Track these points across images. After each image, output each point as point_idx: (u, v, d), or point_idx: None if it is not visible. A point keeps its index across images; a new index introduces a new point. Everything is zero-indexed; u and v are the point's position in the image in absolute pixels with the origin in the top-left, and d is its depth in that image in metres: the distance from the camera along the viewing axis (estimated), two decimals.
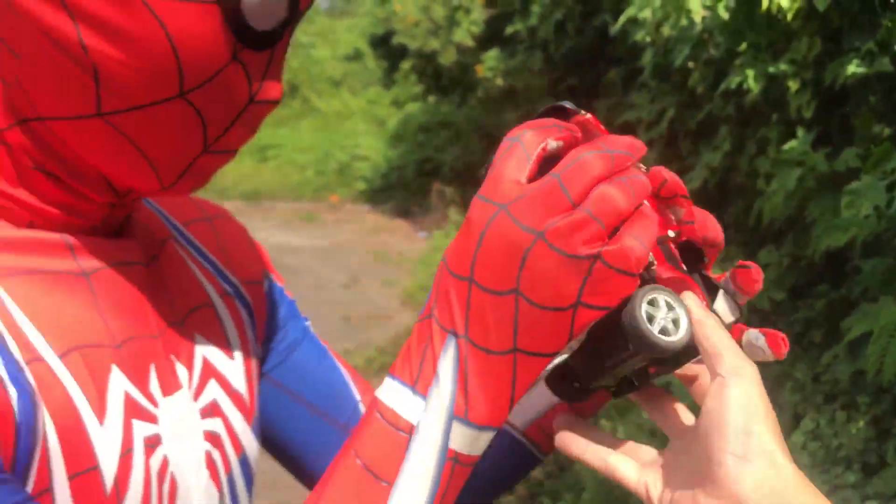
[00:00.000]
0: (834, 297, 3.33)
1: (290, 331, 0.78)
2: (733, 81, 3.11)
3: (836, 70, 2.86)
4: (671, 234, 0.52)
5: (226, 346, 0.68)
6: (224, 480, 0.65)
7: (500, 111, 7.76)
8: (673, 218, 0.52)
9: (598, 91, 6.23)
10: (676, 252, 0.53)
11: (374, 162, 11.23)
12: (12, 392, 0.48)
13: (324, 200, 10.79)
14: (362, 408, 0.79)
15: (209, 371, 0.65)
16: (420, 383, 0.48)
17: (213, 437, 0.64)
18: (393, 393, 0.48)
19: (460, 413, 0.47)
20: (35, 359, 0.51)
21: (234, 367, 0.68)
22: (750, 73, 3.08)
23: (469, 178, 9.47)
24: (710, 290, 0.53)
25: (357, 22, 16.81)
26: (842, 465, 2.71)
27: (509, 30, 6.74)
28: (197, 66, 0.50)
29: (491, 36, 7.55)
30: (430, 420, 0.47)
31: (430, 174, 10.13)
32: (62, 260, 0.55)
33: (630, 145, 0.49)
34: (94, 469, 0.52)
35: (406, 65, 13.84)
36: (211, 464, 0.63)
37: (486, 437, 0.49)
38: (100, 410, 0.53)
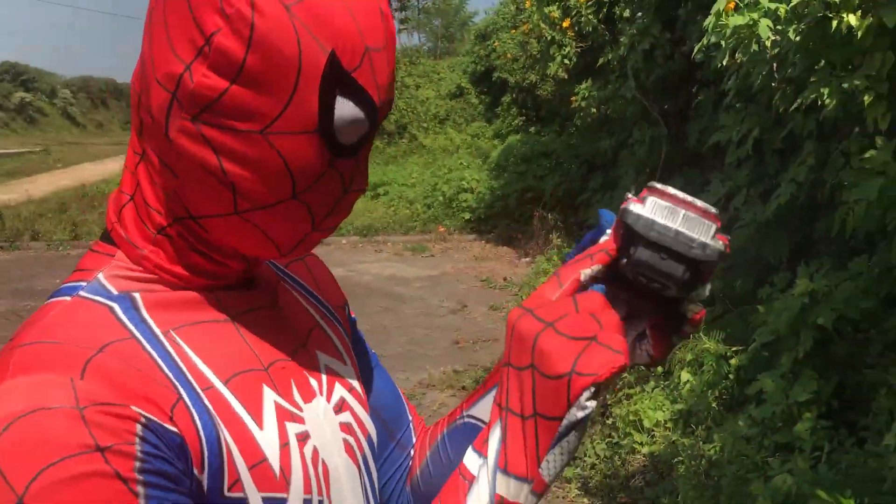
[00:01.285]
0: None
1: (370, 353, 0.99)
2: (808, 98, 3.21)
3: None
4: None
5: (338, 355, 0.86)
6: (360, 459, 0.82)
7: (597, 139, 7.86)
8: None
9: (689, 114, 6.30)
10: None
11: (478, 193, 11.49)
12: (195, 415, 0.65)
13: (432, 232, 11.11)
14: (413, 427, 0.98)
15: (333, 376, 0.83)
16: (481, 447, 0.70)
17: (346, 427, 0.81)
18: (469, 455, 0.69)
19: (502, 465, 0.66)
20: (208, 387, 0.68)
21: (347, 370, 0.86)
22: (825, 89, 3.18)
23: (569, 203, 9.57)
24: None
25: (458, 61, 17.25)
26: None
27: (601, 61, 6.90)
28: (304, 177, 0.66)
29: (584, 67, 7.69)
30: (482, 472, 0.67)
31: (532, 202, 10.29)
32: (215, 311, 0.73)
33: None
34: (264, 461, 0.69)
35: (506, 98, 14.12)
36: (349, 448, 0.80)
37: (526, 490, 0.65)
38: (257, 418, 0.70)
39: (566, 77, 7.78)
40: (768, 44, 3.21)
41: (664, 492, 3.48)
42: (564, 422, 0.63)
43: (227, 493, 0.66)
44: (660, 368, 4.57)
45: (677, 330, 0.73)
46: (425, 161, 14.08)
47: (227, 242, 0.71)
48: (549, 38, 7.79)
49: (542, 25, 7.87)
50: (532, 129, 12.83)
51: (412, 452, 0.96)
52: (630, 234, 0.69)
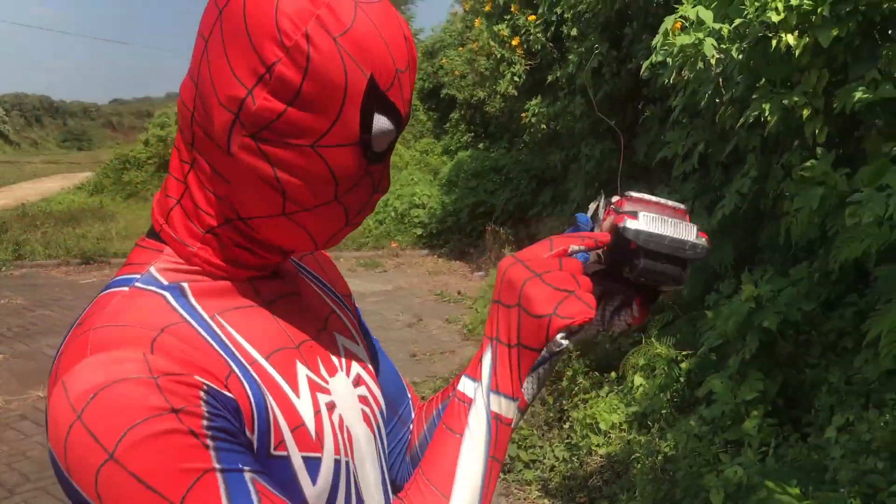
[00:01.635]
0: (862, 306, 3.56)
1: (374, 339, 1.11)
2: (751, 115, 3.40)
3: (843, 98, 3.08)
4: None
5: (351, 337, 0.98)
6: (375, 427, 0.93)
7: (546, 154, 8.06)
8: None
9: (636, 130, 6.53)
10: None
11: (429, 208, 11.59)
12: (246, 385, 0.75)
13: (384, 247, 11.18)
14: (412, 405, 1.10)
15: (350, 355, 0.94)
16: (475, 373, 0.84)
17: (364, 399, 0.92)
18: (464, 382, 0.84)
19: (493, 387, 0.81)
20: (253, 361, 0.78)
21: (360, 350, 0.98)
22: (766, 105, 3.37)
23: (520, 217, 9.75)
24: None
25: None
26: (871, 454, 2.91)
27: (550, 78, 7.10)
28: (346, 182, 0.77)
29: (533, 84, 7.88)
30: (478, 394, 0.83)
31: (483, 216, 10.44)
32: (252, 298, 0.84)
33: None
34: (302, 425, 0.80)
35: (455, 115, 14.29)
36: (366, 417, 0.91)
37: (514, 407, 0.81)
38: (294, 389, 0.81)
39: (516, 94, 7.96)
40: (713, 62, 3.39)
41: (622, 489, 3.63)
42: (543, 352, 0.79)
43: (273, 452, 0.76)
44: (613, 374, 4.74)
45: (654, 301, 0.91)
46: None
47: (271, 239, 0.81)
48: (498, 55, 7.98)
49: (492, 43, 8.05)
50: (481, 146, 13.01)
51: (411, 427, 1.08)
52: (630, 247, 0.84)
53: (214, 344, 0.76)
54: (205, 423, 0.69)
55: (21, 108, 50.67)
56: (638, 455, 3.66)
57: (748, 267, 4.14)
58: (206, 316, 0.78)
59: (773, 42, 3.23)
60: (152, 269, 0.80)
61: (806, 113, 3.31)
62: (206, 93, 0.75)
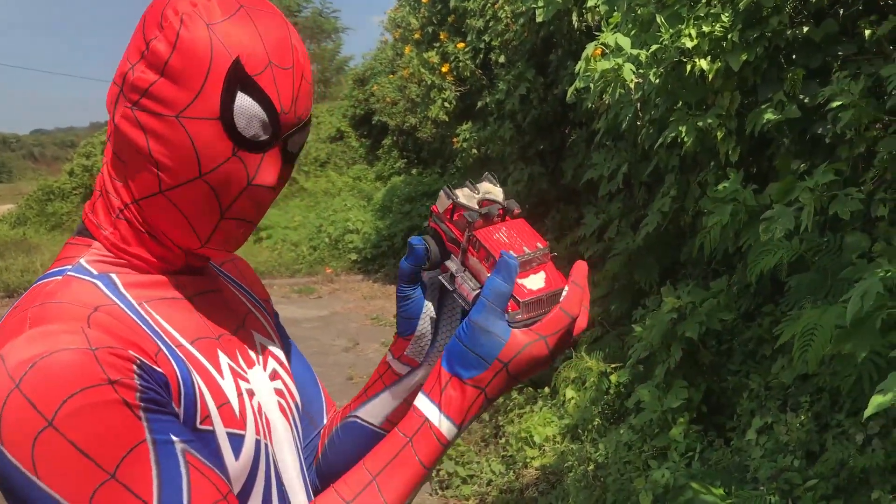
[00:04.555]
0: (777, 315, 3.74)
1: (290, 340, 1.16)
2: (668, 136, 3.58)
3: (754, 119, 3.28)
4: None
5: (268, 335, 1.03)
6: (291, 417, 0.98)
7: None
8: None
9: (563, 153, 6.73)
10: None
11: (363, 233, 11.64)
12: (173, 362, 0.80)
13: (319, 273, 11.16)
14: (325, 407, 1.13)
15: (266, 352, 1.00)
16: (450, 410, 0.84)
17: (279, 392, 0.97)
18: (435, 414, 0.84)
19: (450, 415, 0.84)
20: (179, 344, 0.84)
21: (276, 348, 1.03)
22: (683, 127, 3.55)
23: None
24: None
25: (337, 104, 17.35)
26: (789, 453, 3.08)
27: (480, 104, 7.27)
28: (208, 158, 0.81)
29: (464, 110, 8.05)
30: (453, 434, 0.84)
31: None
32: (175, 290, 0.89)
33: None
34: (227, 403, 0.85)
35: (387, 141, 14.41)
36: (282, 408, 0.96)
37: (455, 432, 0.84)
38: (219, 372, 0.87)
39: (447, 119, 8.12)
40: (632, 86, 3.57)
41: (556, 498, 3.73)
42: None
43: (199, 426, 0.81)
44: (546, 389, 4.87)
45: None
46: (307, 204, 14.14)
47: (160, 223, 0.86)
48: (429, 82, 8.13)
49: (422, 70, 8.21)
50: (414, 171, 13.15)
51: (321, 431, 1.13)
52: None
53: (143, 326, 0.82)
54: (138, 395, 0.73)
55: None
56: (571, 464, 3.78)
57: (671, 282, 4.32)
58: (134, 302, 0.84)
59: (688, 66, 3.41)
60: (82, 261, 0.86)
61: (720, 134, 3.49)
62: (112, 81, 0.85)
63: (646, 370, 4.19)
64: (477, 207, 0.89)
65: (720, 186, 3.48)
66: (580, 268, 0.86)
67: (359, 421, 1.04)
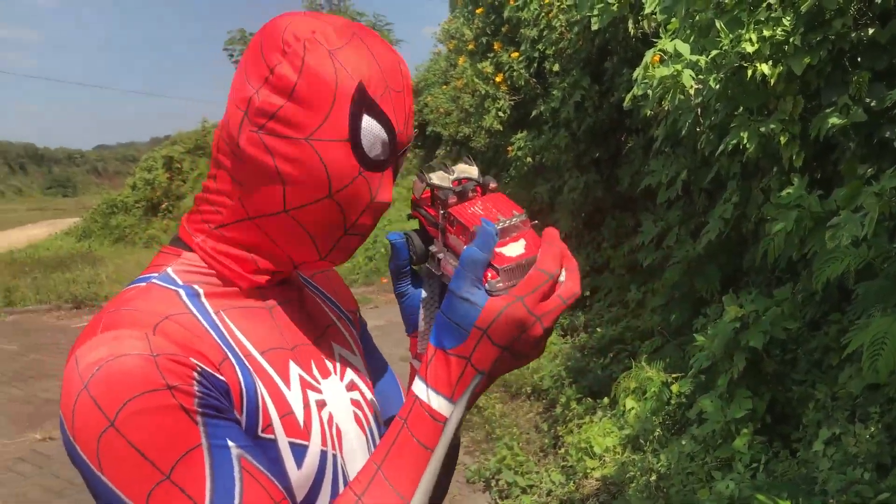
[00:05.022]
0: (844, 324, 3.66)
1: (379, 352, 1.19)
2: (730, 143, 3.53)
3: (818, 123, 3.21)
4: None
5: (349, 348, 1.05)
6: (367, 428, 0.99)
7: (532, 185, 8.19)
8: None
9: (619, 160, 6.68)
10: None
11: None
12: (238, 371, 0.83)
13: (374, 283, 11.24)
14: None
15: (345, 363, 1.02)
16: (438, 383, 0.83)
17: (356, 403, 0.99)
18: (428, 393, 0.83)
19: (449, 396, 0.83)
20: (248, 354, 0.87)
21: (356, 359, 1.05)
22: (744, 133, 3.50)
23: None
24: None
25: None
26: (858, 465, 3.01)
27: (534, 112, 7.26)
28: (338, 178, 0.84)
29: (518, 119, 8.04)
30: (454, 414, 0.83)
31: None
32: (256, 300, 0.92)
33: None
34: (291, 413, 0.87)
35: (441, 152, 14.44)
36: (358, 418, 0.98)
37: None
38: (286, 382, 0.89)
39: (501, 129, 8.12)
40: (692, 92, 3.53)
41: None
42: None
43: (260, 434, 0.84)
44: (606, 399, 4.82)
45: None
46: None
47: (280, 244, 0.90)
48: (483, 92, 8.14)
49: (476, 80, 8.23)
50: None
51: None
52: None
53: (214, 334, 0.85)
54: (196, 400, 0.77)
55: (5, 156, 50.68)
56: (633, 475, 3.74)
57: (733, 290, 4.25)
58: (211, 311, 0.87)
59: (749, 71, 3.36)
60: (169, 270, 0.90)
61: (783, 139, 3.43)
62: (229, 104, 0.88)
63: (708, 380, 4.12)
64: (451, 186, 0.89)
65: (784, 192, 3.43)
66: (550, 232, 0.84)
67: None
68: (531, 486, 4.25)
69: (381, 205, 0.90)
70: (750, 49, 3.27)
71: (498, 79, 7.98)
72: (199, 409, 0.77)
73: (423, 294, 0.97)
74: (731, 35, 3.35)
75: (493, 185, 0.90)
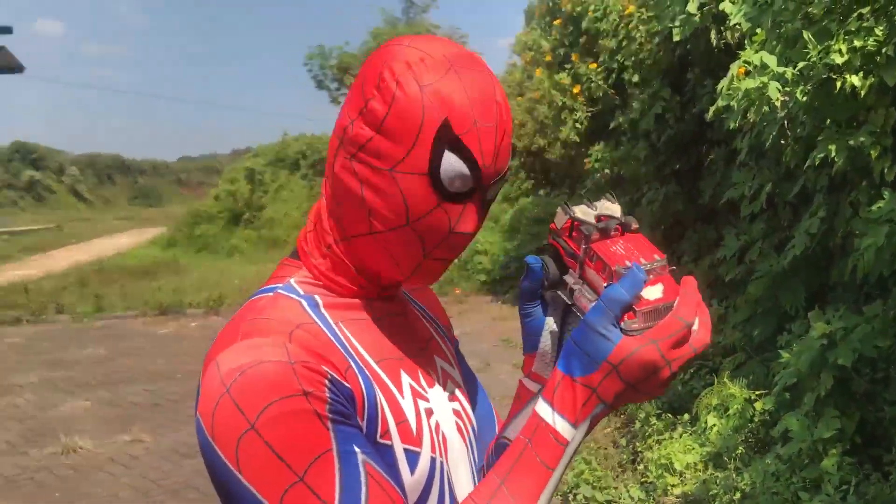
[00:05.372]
0: None
1: (470, 368, 1.22)
2: (817, 157, 3.45)
3: None
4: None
5: (448, 361, 1.09)
6: (467, 437, 1.04)
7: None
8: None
9: (700, 172, 6.58)
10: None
11: (492, 255, 11.69)
12: (360, 379, 0.88)
13: (448, 294, 11.27)
14: (497, 433, 1.18)
15: (446, 375, 1.06)
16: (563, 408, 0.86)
17: (457, 413, 1.03)
18: (552, 416, 0.86)
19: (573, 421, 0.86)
20: (366, 363, 0.91)
21: (455, 372, 1.10)
22: (832, 146, 3.42)
23: None
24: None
25: None
26: None
27: (612, 124, 7.22)
28: (416, 208, 0.88)
29: (594, 130, 8.01)
30: (576, 437, 0.86)
31: None
32: (367, 313, 0.97)
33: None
34: (405, 421, 0.91)
35: (515, 163, 14.44)
36: (459, 428, 1.02)
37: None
38: (400, 391, 0.93)
39: (578, 140, 8.09)
40: (778, 104, 3.46)
41: None
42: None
43: (379, 440, 0.88)
44: (686, 415, 4.75)
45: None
46: None
47: (366, 259, 0.94)
48: (560, 103, 8.13)
49: (553, 92, 8.22)
50: (542, 192, 13.12)
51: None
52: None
53: (337, 344, 0.90)
54: (328, 407, 0.81)
55: (94, 167, 52.57)
56: (715, 492, 3.67)
57: (819, 306, 4.14)
58: (331, 321, 0.92)
59: (838, 83, 3.29)
60: (292, 281, 0.96)
61: (874, 152, 3.35)
62: (333, 129, 0.94)
63: (793, 398, 4.02)
64: (594, 222, 0.91)
65: (874, 207, 3.34)
66: (689, 280, 0.87)
67: (505, 441, 1.07)
68: (609, 502, 4.21)
69: (461, 235, 0.91)
70: (839, 60, 3.20)
71: (575, 90, 7.97)
72: (330, 415, 0.81)
73: (548, 318, 1.00)
74: (819, 46, 3.28)
75: (634, 225, 0.91)
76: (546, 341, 1.00)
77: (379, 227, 0.89)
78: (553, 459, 0.86)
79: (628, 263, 0.85)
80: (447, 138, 0.86)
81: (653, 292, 0.84)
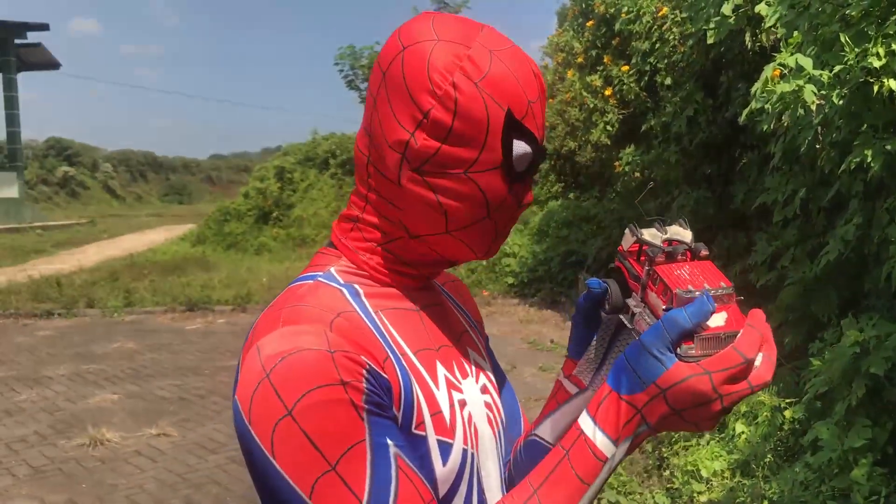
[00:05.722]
0: None
1: (498, 364, 1.22)
2: (853, 161, 3.39)
3: None
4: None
5: (480, 354, 1.09)
6: (497, 431, 1.03)
7: (640, 202, 8.08)
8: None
9: (732, 177, 6.51)
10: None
11: (520, 257, 11.65)
12: (398, 370, 0.88)
13: (476, 296, 11.24)
14: (522, 430, 1.14)
15: (479, 367, 1.06)
16: (607, 425, 0.85)
17: (488, 405, 1.03)
18: (594, 431, 0.85)
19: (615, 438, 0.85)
20: (404, 353, 0.91)
21: (487, 365, 1.09)
22: (868, 151, 3.36)
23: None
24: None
25: None
26: None
27: (644, 127, 7.16)
28: (495, 201, 0.91)
29: (626, 133, 7.95)
30: (616, 455, 0.85)
31: (575, 266, 10.44)
32: (407, 302, 0.98)
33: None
34: (440, 412, 0.91)
35: (544, 165, 14.40)
36: (490, 420, 1.02)
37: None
38: (435, 382, 0.93)
39: (608, 143, 8.04)
40: (813, 108, 3.41)
41: None
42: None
43: (413, 430, 0.88)
44: None
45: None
46: None
47: (443, 253, 0.96)
48: (591, 105, 8.09)
49: (585, 94, 8.18)
50: (571, 195, 13.06)
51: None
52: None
53: (376, 333, 0.90)
54: (364, 397, 0.81)
55: (127, 164, 53.25)
56: (743, 500, 3.62)
57: (852, 314, 4.07)
58: (371, 311, 0.93)
59: (875, 87, 3.23)
60: (332, 270, 0.96)
61: None
62: (378, 140, 0.92)
63: (823, 406, 3.96)
64: (661, 245, 0.90)
65: None
66: (756, 313, 0.84)
67: (537, 439, 1.07)
68: None
69: (525, 206, 0.96)
70: (877, 64, 3.15)
71: (607, 92, 7.92)
72: (366, 406, 0.81)
73: (601, 332, 1.02)
74: (856, 49, 3.23)
75: (704, 252, 0.90)
76: (592, 352, 1.02)
77: (457, 225, 0.92)
78: (590, 475, 0.85)
79: (691, 288, 0.83)
80: (513, 126, 0.88)
81: (715, 320, 0.82)
